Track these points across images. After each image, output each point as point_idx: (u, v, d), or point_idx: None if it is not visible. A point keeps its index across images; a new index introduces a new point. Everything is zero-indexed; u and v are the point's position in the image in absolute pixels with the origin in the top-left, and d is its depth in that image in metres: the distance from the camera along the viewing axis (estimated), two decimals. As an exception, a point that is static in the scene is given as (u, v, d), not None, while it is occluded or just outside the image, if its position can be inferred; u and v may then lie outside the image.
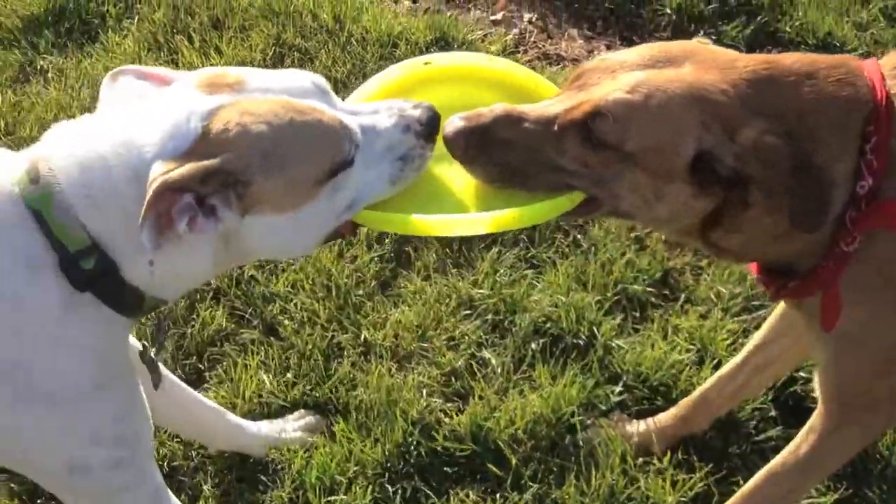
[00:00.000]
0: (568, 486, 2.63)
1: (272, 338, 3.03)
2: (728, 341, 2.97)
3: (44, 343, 1.73)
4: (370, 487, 2.64)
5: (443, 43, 4.04)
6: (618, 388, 2.87)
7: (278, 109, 1.72)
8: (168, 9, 4.33)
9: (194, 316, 3.06)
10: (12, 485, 2.66)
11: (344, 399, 2.86)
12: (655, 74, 1.81)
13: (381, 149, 1.83)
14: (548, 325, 3.02)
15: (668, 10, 4.21)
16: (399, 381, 2.89)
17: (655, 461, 2.69)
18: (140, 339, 2.15)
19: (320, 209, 1.77)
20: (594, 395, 2.84)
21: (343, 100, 1.90)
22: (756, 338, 2.59)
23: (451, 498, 2.65)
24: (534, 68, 3.50)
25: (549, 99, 1.92)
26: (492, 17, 4.38)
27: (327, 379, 2.90)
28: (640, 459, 2.71)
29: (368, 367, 2.93)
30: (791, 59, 1.85)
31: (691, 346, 2.96)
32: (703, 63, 1.82)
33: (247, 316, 3.09)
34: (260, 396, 2.87)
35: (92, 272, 1.71)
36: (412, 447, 2.72)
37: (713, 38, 3.54)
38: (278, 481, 2.70)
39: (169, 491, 2.07)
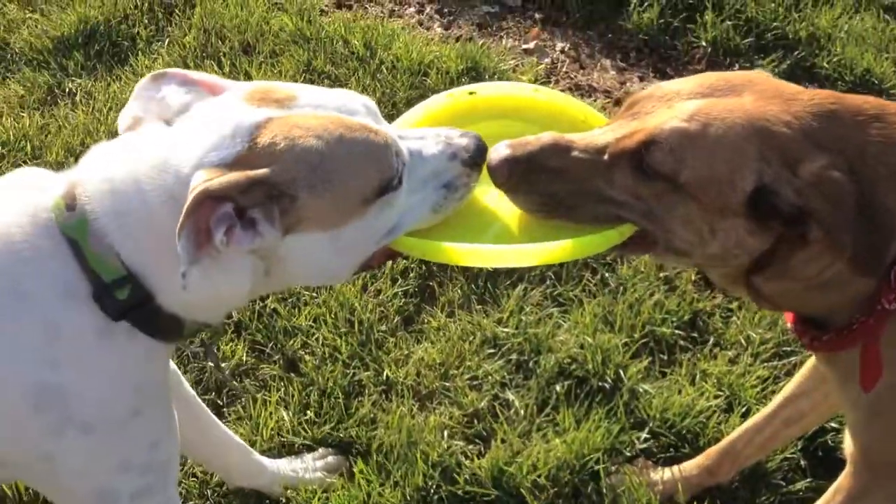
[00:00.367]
0: (590, 536, 2.58)
1: (293, 374, 2.98)
2: (758, 388, 2.90)
3: (80, 371, 1.71)
4: (388, 532, 2.60)
5: (474, 73, 4.01)
6: (643, 434, 2.81)
7: (328, 125, 1.67)
8: (199, 32, 4.33)
9: (214, 349, 3.02)
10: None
11: (364, 439, 2.81)
12: (714, 103, 1.73)
13: (426, 175, 1.79)
14: (573, 366, 2.97)
15: (704, 43, 4.16)
16: (420, 421, 2.84)
17: (680, 511, 2.63)
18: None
19: (364, 229, 1.73)
20: (619, 440, 2.79)
21: None
22: (786, 390, 2.52)
23: (471, 545, 2.60)
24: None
25: (598, 128, 1.86)
26: (524, 46, 4.34)
27: (348, 418, 2.85)
28: (665, 509, 2.64)
29: (389, 407, 2.89)
30: (860, 99, 1.77)
31: (720, 393, 2.89)
32: (764, 93, 1.75)
33: (267, 350, 3.05)
34: (279, 434, 2.83)
35: (126, 301, 1.68)
36: (432, 491, 2.67)
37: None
38: (295, 523, 2.65)
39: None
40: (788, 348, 3.01)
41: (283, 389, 2.93)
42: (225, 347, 3.02)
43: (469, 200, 1.85)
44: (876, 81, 3.92)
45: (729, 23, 4.20)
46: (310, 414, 2.87)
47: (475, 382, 2.96)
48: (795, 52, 4.05)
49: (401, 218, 1.78)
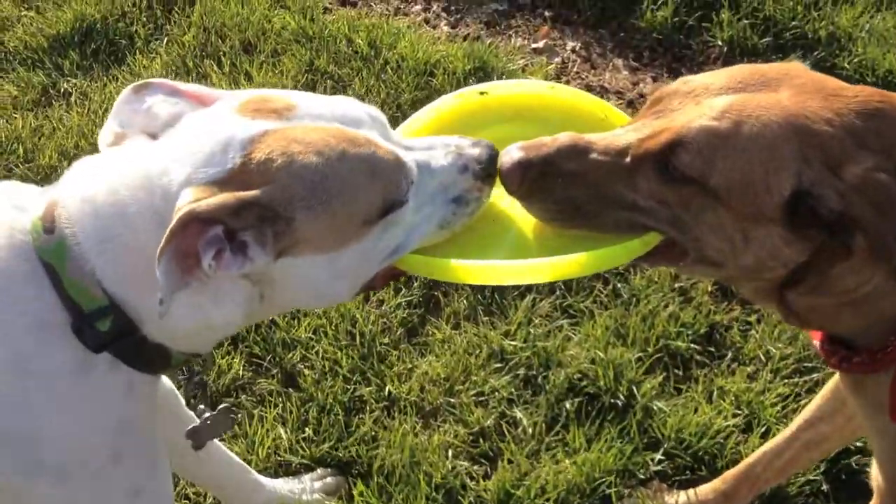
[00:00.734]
0: (602, 565, 2.46)
1: (291, 389, 2.86)
2: (778, 406, 2.77)
3: (53, 410, 1.56)
4: (389, 559, 2.49)
5: (482, 73, 3.88)
6: (658, 456, 2.68)
7: (330, 139, 1.54)
8: (198, 30, 4.21)
9: (210, 363, 2.89)
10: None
11: (365, 458, 2.69)
12: (747, 99, 1.57)
13: (434, 189, 1.64)
14: (584, 382, 2.84)
15: (720, 42, 4.02)
16: (423, 440, 2.72)
17: (697, 538, 2.51)
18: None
19: (365, 251, 1.59)
20: (632, 461, 2.67)
21: None
22: (807, 412, 2.39)
23: (476, 573, 2.48)
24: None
25: (620, 128, 1.71)
26: (533, 46, 4.21)
27: (348, 436, 2.74)
28: (680, 535, 2.52)
29: (391, 424, 2.77)
30: None
31: (738, 411, 2.76)
32: (803, 88, 1.59)
33: (265, 364, 2.93)
34: (276, 453, 2.71)
35: (108, 334, 1.54)
36: (435, 515, 2.56)
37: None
38: (291, 547, 2.54)
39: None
40: (810, 364, 2.87)
41: (280, 405, 2.82)
42: (221, 361, 2.90)
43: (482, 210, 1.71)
44: (899, 83, 3.78)
45: (746, 21, 4.06)
46: (308, 431, 2.76)
47: (481, 398, 2.84)
48: (815, 52, 3.91)
49: (406, 236, 1.64)
